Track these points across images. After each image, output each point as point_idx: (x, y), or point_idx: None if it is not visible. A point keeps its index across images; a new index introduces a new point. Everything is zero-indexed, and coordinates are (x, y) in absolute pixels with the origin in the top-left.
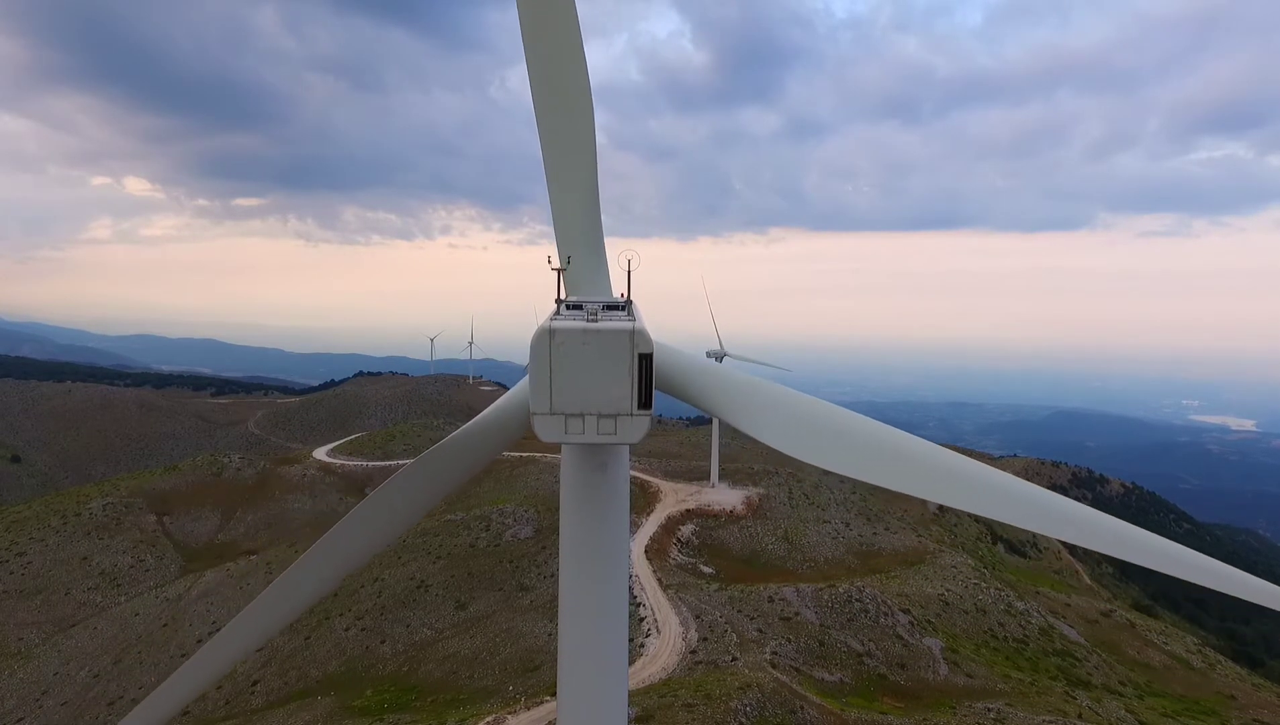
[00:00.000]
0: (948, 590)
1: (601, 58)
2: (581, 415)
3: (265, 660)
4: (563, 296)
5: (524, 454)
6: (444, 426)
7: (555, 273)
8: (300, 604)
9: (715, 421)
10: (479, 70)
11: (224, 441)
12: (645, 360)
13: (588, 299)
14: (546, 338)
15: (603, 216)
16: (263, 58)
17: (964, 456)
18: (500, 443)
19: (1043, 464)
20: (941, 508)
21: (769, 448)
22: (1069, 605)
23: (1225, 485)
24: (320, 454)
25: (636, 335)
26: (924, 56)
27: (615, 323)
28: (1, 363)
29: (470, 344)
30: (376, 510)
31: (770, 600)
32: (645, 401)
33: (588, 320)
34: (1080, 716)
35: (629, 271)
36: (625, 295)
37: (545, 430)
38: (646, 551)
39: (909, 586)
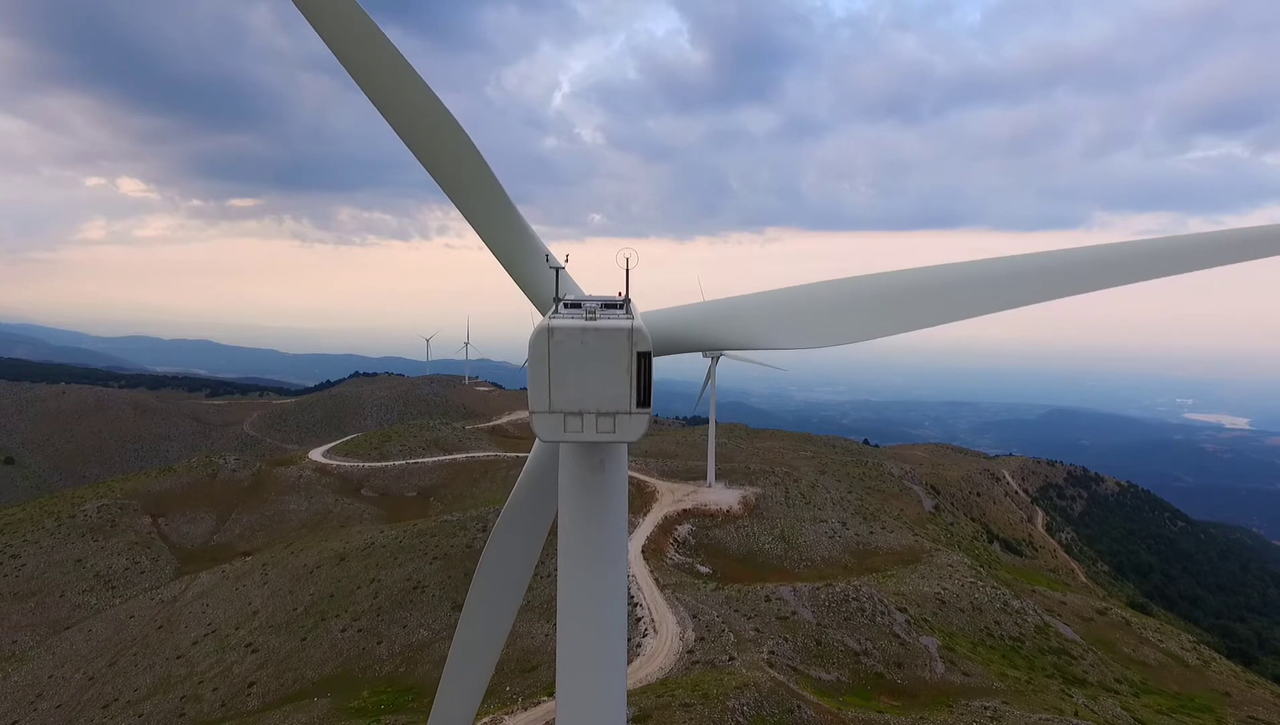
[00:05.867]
0: (944, 589)
1: (599, 57)
2: (580, 413)
3: (262, 662)
4: (560, 296)
5: (520, 455)
6: (440, 427)
7: (553, 272)
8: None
9: (712, 421)
10: (474, 69)
11: (219, 443)
12: (644, 358)
13: (586, 297)
14: (545, 335)
15: (600, 217)
16: (257, 57)
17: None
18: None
19: (1038, 463)
20: (937, 507)
21: (766, 446)
22: (1064, 603)
23: (1220, 483)
24: (316, 455)
25: (635, 333)
26: (922, 55)
27: (614, 321)
28: None
29: (466, 344)
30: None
31: (767, 600)
32: (644, 399)
33: (586, 318)
34: (1076, 714)
35: (627, 270)
36: (623, 294)
37: (544, 428)
38: (643, 551)
39: (905, 585)
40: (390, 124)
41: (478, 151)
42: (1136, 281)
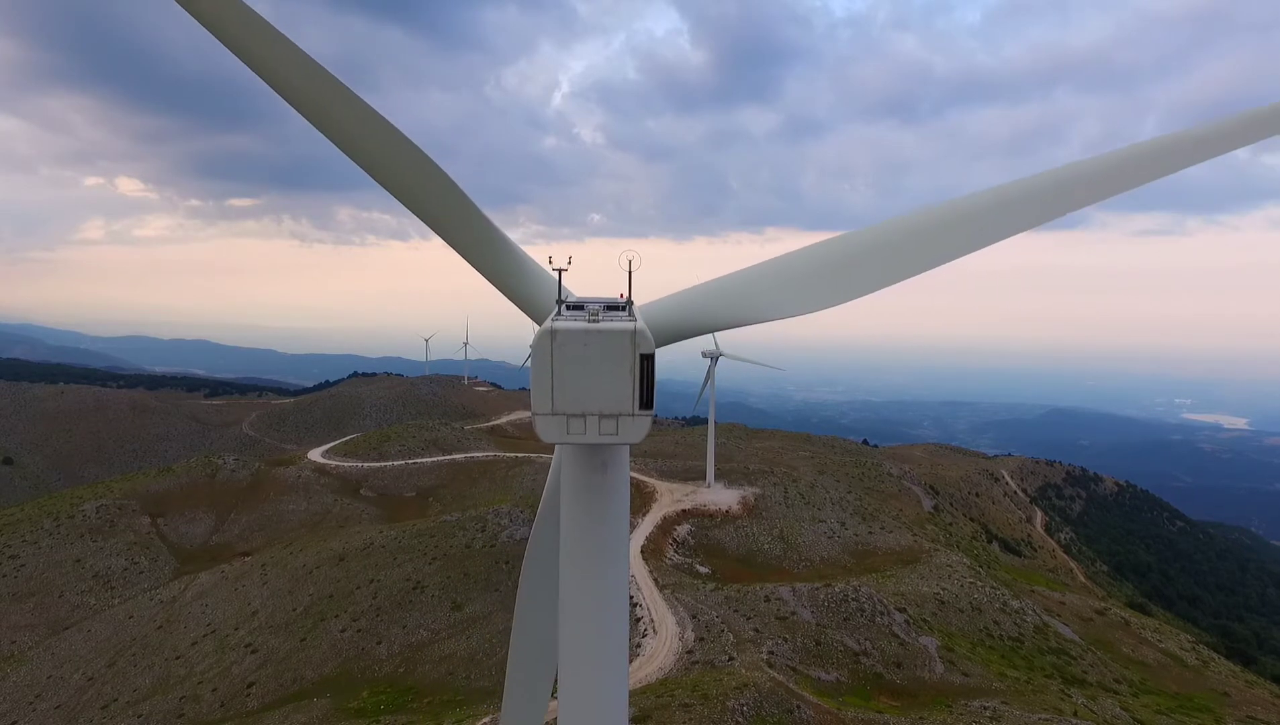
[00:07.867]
0: (943, 589)
1: (599, 57)
2: (583, 415)
3: (261, 662)
4: (562, 297)
5: (519, 455)
6: (439, 427)
7: (556, 274)
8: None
9: (711, 422)
10: (474, 69)
11: (218, 443)
12: (646, 360)
13: (589, 299)
14: (548, 338)
15: (599, 217)
16: None
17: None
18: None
19: (1037, 463)
20: (936, 507)
21: (765, 446)
22: (1064, 603)
23: (1218, 483)
24: (315, 455)
25: (638, 335)
26: (922, 55)
27: (616, 323)
28: None
29: (465, 345)
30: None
31: (766, 600)
32: (647, 401)
33: (589, 321)
34: (1075, 714)
35: (629, 272)
36: (626, 296)
37: (546, 431)
38: (643, 551)
39: (905, 585)
40: (354, 161)
41: (451, 180)
42: (1137, 186)
